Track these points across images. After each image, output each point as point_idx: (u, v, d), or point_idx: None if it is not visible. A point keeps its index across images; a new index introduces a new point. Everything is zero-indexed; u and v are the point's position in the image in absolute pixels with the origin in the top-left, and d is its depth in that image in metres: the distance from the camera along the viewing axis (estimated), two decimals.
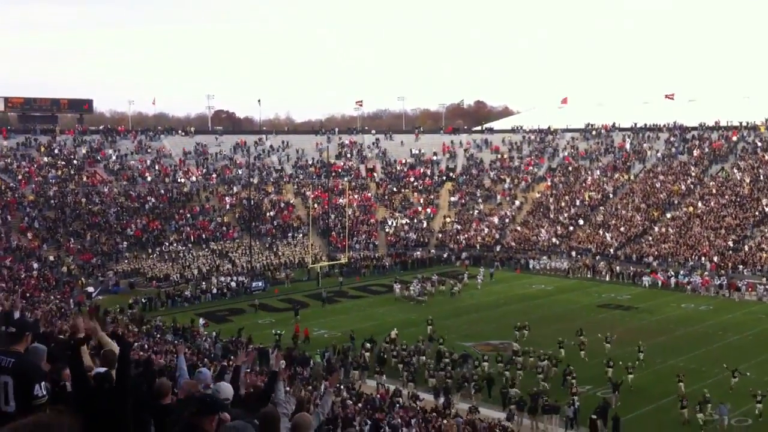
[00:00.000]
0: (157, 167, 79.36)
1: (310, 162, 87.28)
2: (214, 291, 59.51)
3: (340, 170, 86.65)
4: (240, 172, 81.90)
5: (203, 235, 69.99)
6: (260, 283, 61.95)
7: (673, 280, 58.75)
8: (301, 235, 73.51)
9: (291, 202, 79.60)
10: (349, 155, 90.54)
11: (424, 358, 39.27)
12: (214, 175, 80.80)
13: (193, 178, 79.32)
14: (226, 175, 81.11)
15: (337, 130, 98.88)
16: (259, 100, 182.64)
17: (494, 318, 48.75)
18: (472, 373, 36.55)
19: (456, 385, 35.37)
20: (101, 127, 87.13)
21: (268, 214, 76.50)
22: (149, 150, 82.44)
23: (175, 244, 67.53)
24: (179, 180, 78.32)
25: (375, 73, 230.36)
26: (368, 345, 40.61)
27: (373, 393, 33.42)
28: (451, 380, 35.75)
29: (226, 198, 76.97)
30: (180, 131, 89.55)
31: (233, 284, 61.20)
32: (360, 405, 28.96)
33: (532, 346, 40.40)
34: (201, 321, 47.53)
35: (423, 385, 35.64)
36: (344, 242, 68.89)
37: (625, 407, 31.61)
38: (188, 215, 72.64)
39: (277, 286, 61.77)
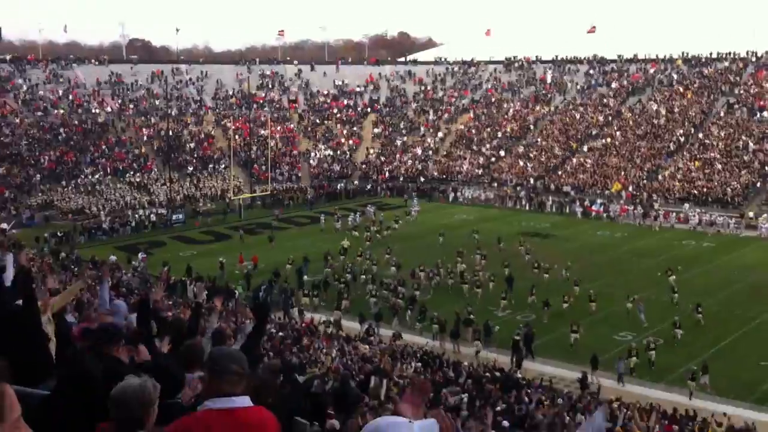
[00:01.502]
0: (70, 97, 76.25)
1: (230, 93, 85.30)
2: (133, 224, 58.15)
3: (261, 101, 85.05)
4: (157, 103, 79.49)
5: (120, 167, 68.00)
6: (180, 216, 60.78)
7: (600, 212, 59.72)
8: (222, 166, 72.21)
9: (211, 133, 77.88)
10: (270, 86, 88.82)
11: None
12: (131, 106, 78.20)
13: (108, 109, 76.63)
14: (143, 106, 78.60)
15: (258, 60, 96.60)
16: (177, 29, 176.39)
17: (422, 247, 48.75)
18: (399, 298, 37.00)
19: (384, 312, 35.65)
20: (9, 56, 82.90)
21: (187, 145, 74.75)
22: (61, 80, 79.03)
23: (90, 177, 65.48)
24: (94, 111, 75.53)
25: (296, 1, 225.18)
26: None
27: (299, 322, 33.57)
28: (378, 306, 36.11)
29: (144, 129, 74.74)
30: (93, 60, 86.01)
31: (153, 217, 59.88)
32: (285, 336, 28.88)
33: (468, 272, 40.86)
34: (140, 255, 46.19)
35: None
36: (266, 174, 67.99)
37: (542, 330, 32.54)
38: (104, 147, 70.35)
39: (198, 218, 60.69)
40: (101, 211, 59.86)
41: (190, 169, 71.19)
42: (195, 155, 73.58)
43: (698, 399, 26.34)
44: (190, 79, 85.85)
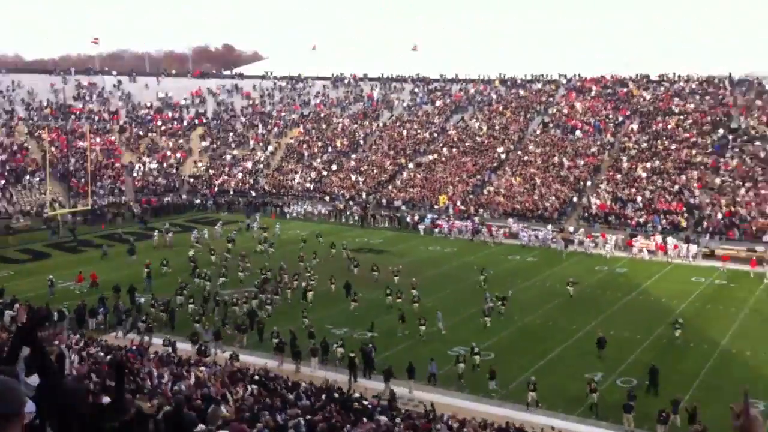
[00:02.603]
0: None
1: (44, 103, 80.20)
2: None
3: (79, 112, 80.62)
4: None
5: None
6: None
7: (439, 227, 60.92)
8: (37, 179, 67.60)
9: (25, 144, 72.77)
10: (88, 97, 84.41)
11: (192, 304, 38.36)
12: None
13: None
14: None
15: (73, 70, 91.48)
16: None
17: (257, 263, 47.88)
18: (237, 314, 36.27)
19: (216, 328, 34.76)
20: None
21: None
22: None
23: None
24: None
25: (113, 8, 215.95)
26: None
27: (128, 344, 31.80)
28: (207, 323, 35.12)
29: None
30: None
31: None
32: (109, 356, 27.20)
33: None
34: None
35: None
36: (86, 187, 64.33)
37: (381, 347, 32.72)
38: None
39: (11, 236, 56.40)
40: None
41: (2, 182, 66.13)
42: (6, 167, 68.43)
43: (534, 413, 27.25)
44: (0, 89, 79.90)
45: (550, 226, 57.43)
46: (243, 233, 58.46)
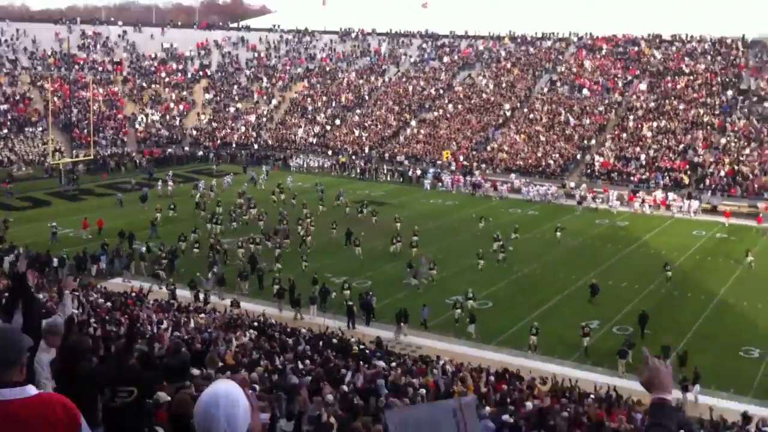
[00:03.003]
0: None
1: (48, 53, 79.67)
2: None
3: (82, 62, 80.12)
4: None
5: None
6: None
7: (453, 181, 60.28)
8: (40, 129, 67.38)
9: (27, 94, 72.44)
10: (92, 47, 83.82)
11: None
12: None
13: None
14: None
15: (79, 20, 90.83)
16: None
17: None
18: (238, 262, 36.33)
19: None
20: None
21: (1, 106, 69.12)
22: None
23: None
24: None
25: None
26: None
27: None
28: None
29: None
30: None
31: None
32: (109, 303, 27.29)
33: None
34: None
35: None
36: (89, 138, 64.10)
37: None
38: None
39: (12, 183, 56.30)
40: None
41: (4, 131, 65.92)
42: (9, 117, 68.19)
43: (531, 359, 27.28)
44: (5, 38, 79.34)
45: (551, 182, 57.13)
46: (252, 187, 57.69)
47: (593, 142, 62.49)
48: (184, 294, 32.97)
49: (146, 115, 75.58)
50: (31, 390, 3.32)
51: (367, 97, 78.35)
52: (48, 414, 3.26)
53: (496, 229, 42.55)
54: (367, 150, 68.27)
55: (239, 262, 37.60)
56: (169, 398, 9.40)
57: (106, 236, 40.38)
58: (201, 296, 32.66)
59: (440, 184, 59.82)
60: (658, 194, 52.60)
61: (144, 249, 38.50)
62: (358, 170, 64.79)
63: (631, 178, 56.14)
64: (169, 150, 70.61)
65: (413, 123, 71.71)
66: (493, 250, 39.10)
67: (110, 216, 45.92)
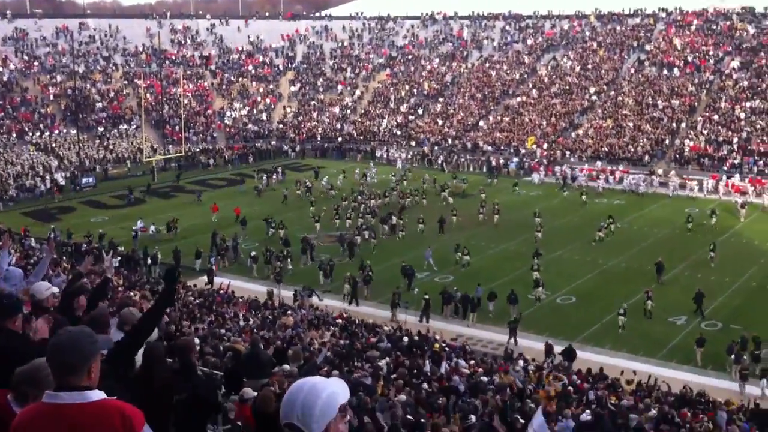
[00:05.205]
0: None
1: (140, 49, 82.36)
2: (42, 188, 55.81)
3: (173, 57, 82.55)
4: (64, 60, 76.10)
5: (25, 128, 65.03)
6: (91, 179, 58.74)
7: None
8: (133, 126, 69.93)
9: (121, 91, 75.19)
10: (182, 42, 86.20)
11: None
12: (36, 64, 74.69)
13: (12, 67, 73.01)
14: (49, 63, 75.19)
15: (168, 14, 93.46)
16: None
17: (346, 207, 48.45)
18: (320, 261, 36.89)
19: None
20: None
21: (96, 104, 72.03)
22: None
23: None
24: None
25: None
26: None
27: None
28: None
29: (50, 88, 71.56)
30: None
31: (61, 180, 57.62)
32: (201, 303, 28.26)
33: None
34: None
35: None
36: (180, 134, 66.21)
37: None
38: (8, 107, 67.12)
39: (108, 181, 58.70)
40: (8, 175, 57.21)
41: (100, 129, 68.72)
42: (104, 114, 71.01)
43: (614, 357, 27.05)
44: (98, 35, 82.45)
45: (638, 170, 55.74)
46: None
47: (683, 125, 60.70)
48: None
49: (234, 110, 77.29)
50: (93, 395, 3.33)
51: (449, 84, 78.04)
52: (104, 422, 3.26)
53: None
54: (450, 141, 68.05)
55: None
56: (254, 394, 9.87)
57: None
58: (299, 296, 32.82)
59: (534, 174, 58.23)
60: (736, 180, 50.87)
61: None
62: (440, 161, 64.48)
63: (723, 163, 54.34)
64: (257, 144, 72.01)
65: (497, 110, 71.10)
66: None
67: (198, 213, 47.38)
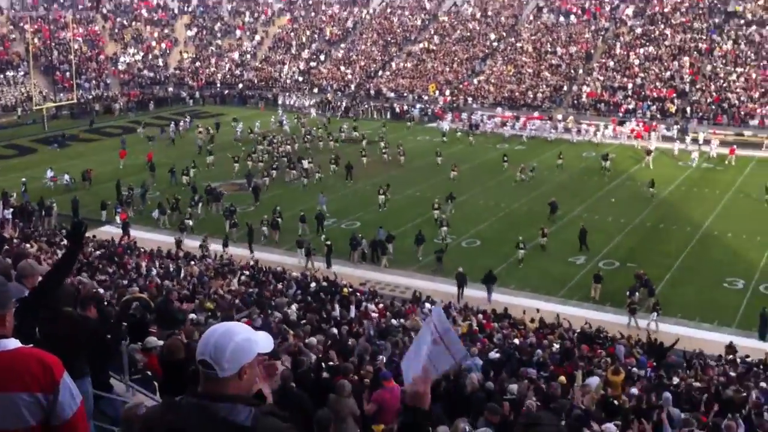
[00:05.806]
0: None
1: None
2: None
3: (62, 0, 78.51)
4: None
5: None
6: None
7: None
8: (21, 73, 66.43)
9: (8, 36, 71.09)
10: None
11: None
12: None
13: None
14: None
15: None
16: None
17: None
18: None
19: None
20: None
21: None
22: None
23: None
24: None
25: None
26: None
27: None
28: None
29: None
30: None
31: None
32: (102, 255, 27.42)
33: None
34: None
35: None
36: (71, 81, 63.30)
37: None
38: None
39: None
40: None
41: None
42: None
43: (517, 296, 27.81)
44: None
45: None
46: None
47: (580, 71, 62.11)
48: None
49: (128, 55, 74.38)
50: (9, 344, 3.22)
51: (351, 31, 77.21)
52: (23, 369, 3.14)
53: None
54: (352, 87, 67.56)
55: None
56: (160, 342, 9.74)
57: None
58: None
59: (440, 122, 57.74)
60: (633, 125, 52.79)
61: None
62: (344, 107, 64.02)
63: (618, 108, 56.00)
64: (154, 91, 69.72)
65: (399, 56, 70.90)
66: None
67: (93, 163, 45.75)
